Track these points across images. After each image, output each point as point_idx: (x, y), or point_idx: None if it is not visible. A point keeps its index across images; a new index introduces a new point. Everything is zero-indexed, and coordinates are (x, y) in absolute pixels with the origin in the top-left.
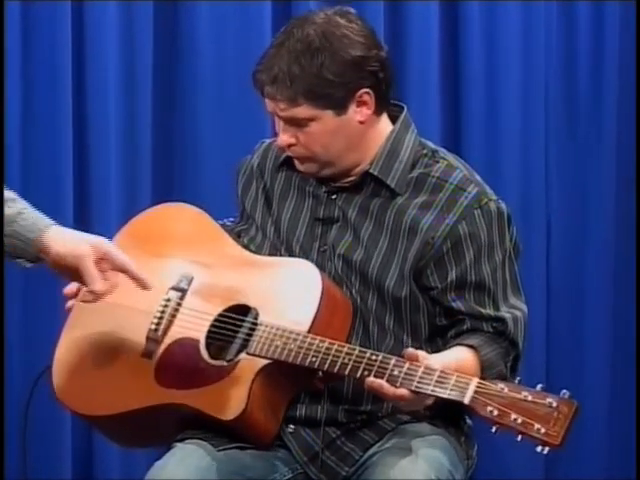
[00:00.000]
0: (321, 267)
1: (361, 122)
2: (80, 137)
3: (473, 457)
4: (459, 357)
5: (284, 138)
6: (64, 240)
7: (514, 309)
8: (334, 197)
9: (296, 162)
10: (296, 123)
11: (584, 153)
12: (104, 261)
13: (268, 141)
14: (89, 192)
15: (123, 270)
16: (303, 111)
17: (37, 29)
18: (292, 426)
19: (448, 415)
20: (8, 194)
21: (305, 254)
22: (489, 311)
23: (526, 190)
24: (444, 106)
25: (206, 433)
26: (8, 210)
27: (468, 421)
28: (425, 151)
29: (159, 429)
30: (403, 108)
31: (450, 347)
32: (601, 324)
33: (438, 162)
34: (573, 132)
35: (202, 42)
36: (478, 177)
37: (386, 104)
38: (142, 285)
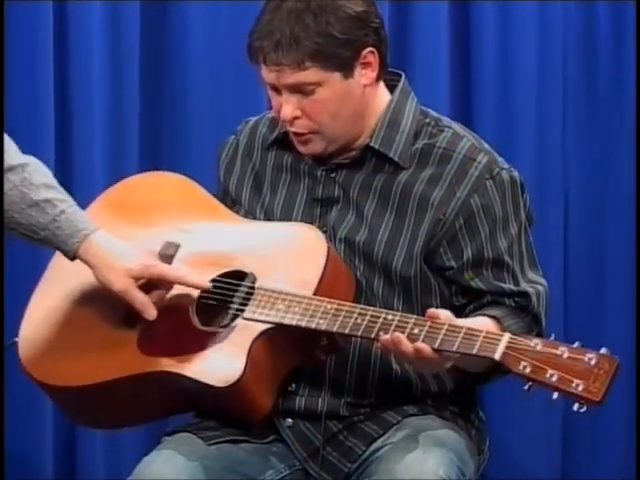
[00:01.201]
0: None
1: (366, 86)
2: (63, 114)
3: (485, 452)
4: (481, 324)
5: (287, 111)
6: (101, 268)
7: (535, 284)
8: (333, 175)
9: (298, 144)
10: (302, 90)
11: (603, 123)
12: (150, 284)
13: (254, 119)
14: (72, 171)
15: (178, 283)
16: (310, 75)
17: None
18: (290, 420)
19: (458, 407)
20: (53, 193)
21: None
22: (510, 286)
23: (542, 165)
24: (454, 78)
25: (196, 424)
26: (43, 216)
27: (480, 414)
28: (428, 120)
29: (141, 403)
30: (401, 76)
31: (471, 317)
32: (621, 302)
33: (443, 131)
34: (592, 101)
35: (193, 13)
36: (486, 145)
37: (386, 67)
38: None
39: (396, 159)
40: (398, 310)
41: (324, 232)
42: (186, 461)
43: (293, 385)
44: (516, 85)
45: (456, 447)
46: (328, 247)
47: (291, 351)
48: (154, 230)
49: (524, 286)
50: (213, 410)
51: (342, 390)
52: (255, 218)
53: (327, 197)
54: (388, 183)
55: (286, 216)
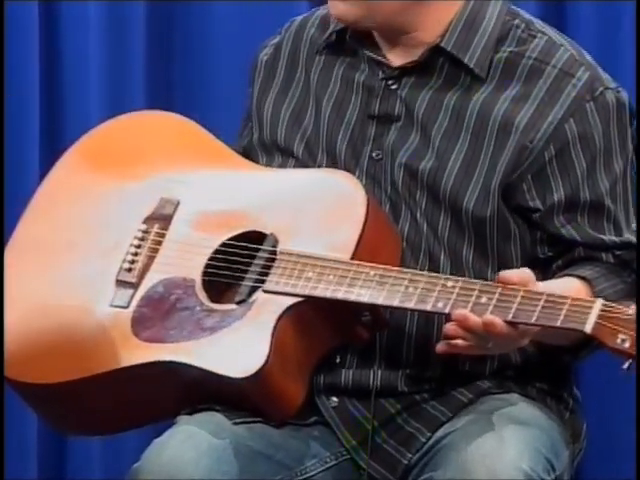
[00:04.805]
0: (373, 179)
1: None
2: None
3: (581, 440)
4: (567, 288)
5: None
6: None
7: None
8: (394, 87)
9: (332, 2)
10: None
11: None
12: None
13: (300, 18)
14: (60, 101)
15: None
16: None
17: None
18: (335, 398)
19: (547, 383)
20: None
21: (350, 161)
22: (611, 237)
23: None
24: None
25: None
26: None
27: (574, 392)
28: (517, 22)
29: (141, 402)
30: None
31: (556, 278)
32: None
33: (535, 37)
34: None
35: None
36: (589, 57)
37: None
38: None
39: (471, 65)
40: (468, 259)
41: (379, 157)
42: (210, 442)
43: (338, 357)
44: None
45: (545, 434)
46: (368, 198)
47: (326, 330)
48: (146, 184)
49: (628, 236)
50: (231, 406)
51: (400, 360)
52: (290, 150)
53: (385, 114)
54: (463, 99)
55: (330, 137)
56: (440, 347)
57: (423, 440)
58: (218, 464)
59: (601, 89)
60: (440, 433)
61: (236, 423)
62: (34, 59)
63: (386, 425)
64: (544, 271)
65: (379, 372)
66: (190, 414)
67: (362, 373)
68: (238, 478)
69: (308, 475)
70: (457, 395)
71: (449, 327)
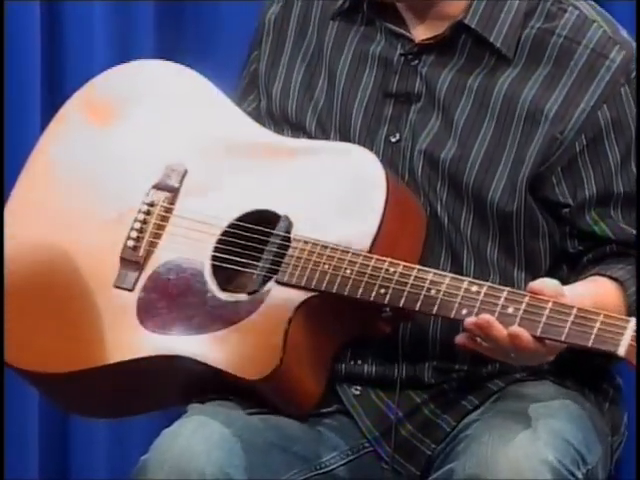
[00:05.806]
0: (390, 163)
1: None
2: None
3: (621, 432)
4: (597, 292)
5: None
6: None
7: None
8: (415, 63)
9: None
10: None
11: None
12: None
13: None
14: (62, 61)
15: None
16: None
17: None
18: (358, 387)
19: (585, 371)
20: None
21: (365, 141)
22: None
23: None
24: None
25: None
26: None
27: (615, 380)
28: None
29: (145, 394)
30: None
31: (586, 277)
32: None
33: (566, 12)
34: None
35: None
36: (624, 33)
37: None
38: None
39: (498, 45)
40: (493, 257)
41: (396, 140)
42: (221, 433)
43: (359, 361)
44: None
45: (575, 425)
46: (387, 179)
47: (343, 324)
48: (149, 145)
49: None
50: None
51: (425, 353)
52: (301, 125)
53: (404, 92)
54: (488, 81)
55: (345, 114)
56: (459, 339)
57: (448, 430)
58: (230, 457)
59: (637, 70)
60: (466, 420)
61: (250, 413)
62: (35, 62)
63: (411, 416)
64: (574, 265)
65: (404, 366)
66: (202, 402)
67: (385, 367)
68: (250, 471)
69: (327, 469)
70: (487, 384)
71: (469, 322)
